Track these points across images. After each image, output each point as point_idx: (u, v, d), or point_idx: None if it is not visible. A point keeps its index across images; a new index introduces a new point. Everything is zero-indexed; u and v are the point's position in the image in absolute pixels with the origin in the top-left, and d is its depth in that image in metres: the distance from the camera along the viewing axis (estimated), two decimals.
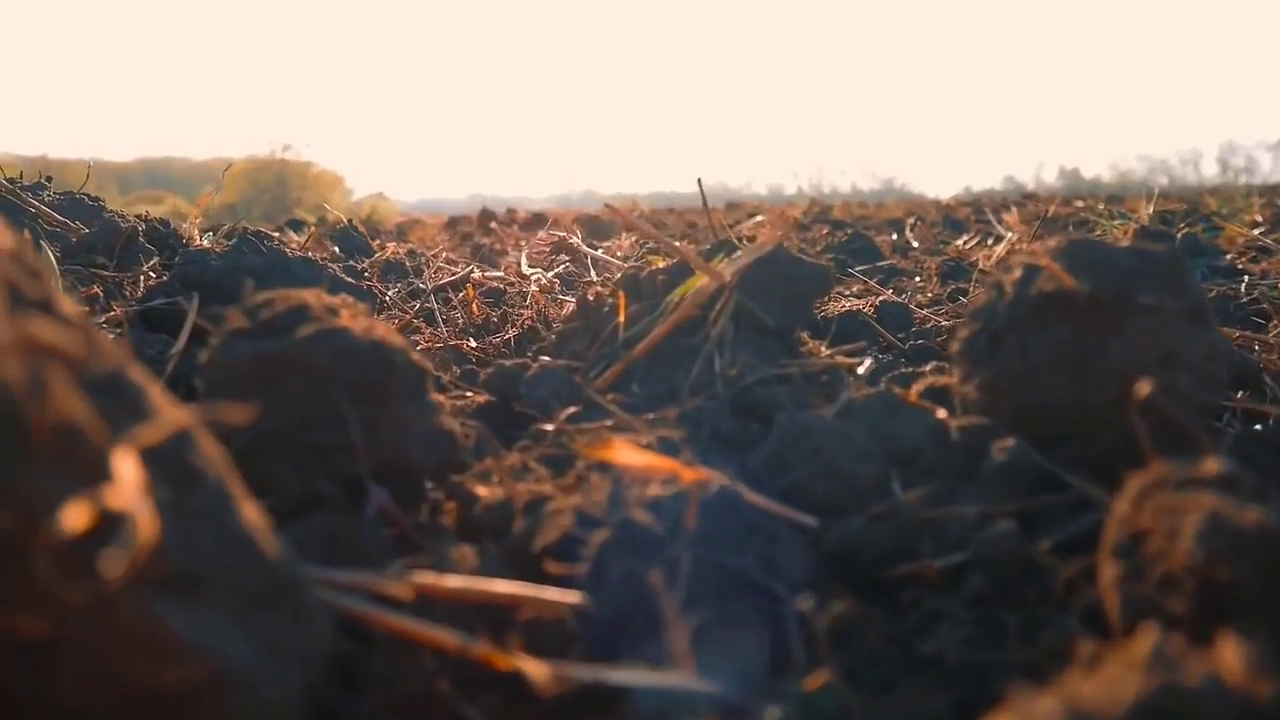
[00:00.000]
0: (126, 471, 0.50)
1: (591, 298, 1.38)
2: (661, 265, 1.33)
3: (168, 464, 0.57)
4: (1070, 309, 0.90)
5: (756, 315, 1.19)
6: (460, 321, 1.93)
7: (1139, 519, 0.66)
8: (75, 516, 0.48)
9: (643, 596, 0.72)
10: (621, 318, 1.26)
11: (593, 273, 2.02)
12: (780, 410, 1.02)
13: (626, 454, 0.86)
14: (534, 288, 1.85)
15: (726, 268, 1.19)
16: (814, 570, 0.83)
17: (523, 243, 4.53)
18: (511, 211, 8.36)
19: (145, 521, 0.50)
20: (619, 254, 3.43)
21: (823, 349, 1.29)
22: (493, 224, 6.38)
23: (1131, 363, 0.90)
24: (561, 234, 2.31)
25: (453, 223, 7.63)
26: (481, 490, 0.93)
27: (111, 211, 2.29)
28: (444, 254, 3.41)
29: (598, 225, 6.14)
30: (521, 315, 1.96)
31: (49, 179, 2.35)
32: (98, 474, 0.51)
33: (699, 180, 1.35)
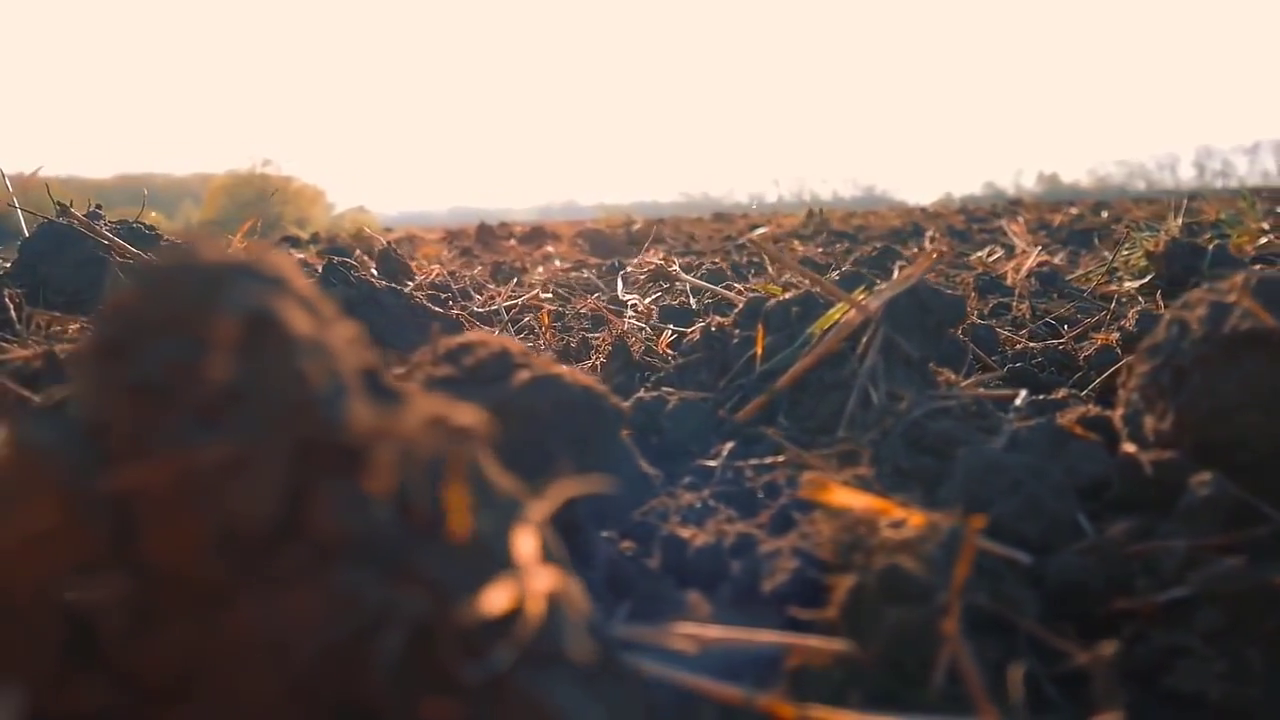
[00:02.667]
0: (529, 550, 0.50)
1: (714, 328, 1.38)
2: (788, 295, 1.34)
3: None
4: (1265, 345, 0.92)
5: (901, 347, 1.19)
6: (540, 347, 1.93)
7: None
8: (497, 599, 0.47)
9: (913, 642, 0.72)
10: (759, 349, 1.27)
11: (693, 300, 2.03)
12: (960, 445, 1.03)
13: (844, 496, 0.87)
14: (630, 314, 1.85)
15: (871, 300, 1.19)
16: (1040, 607, 0.84)
17: (532, 259, 4.52)
18: (505, 225, 8.35)
19: (539, 600, 0.50)
20: (645, 270, 3.43)
21: (953, 376, 1.30)
22: (511, 240, 6.37)
23: None
24: (659, 260, 2.30)
25: (451, 237, 7.60)
26: (684, 531, 0.93)
27: (169, 240, 2.27)
28: (472, 274, 3.39)
29: (600, 239, 6.14)
30: (597, 339, 1.96)
31: (99, 207, 2.32)
32: (483, 553, 0.51)
33: (819, 211, 1.35)
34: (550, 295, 2.60)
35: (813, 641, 0.74)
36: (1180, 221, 3.05)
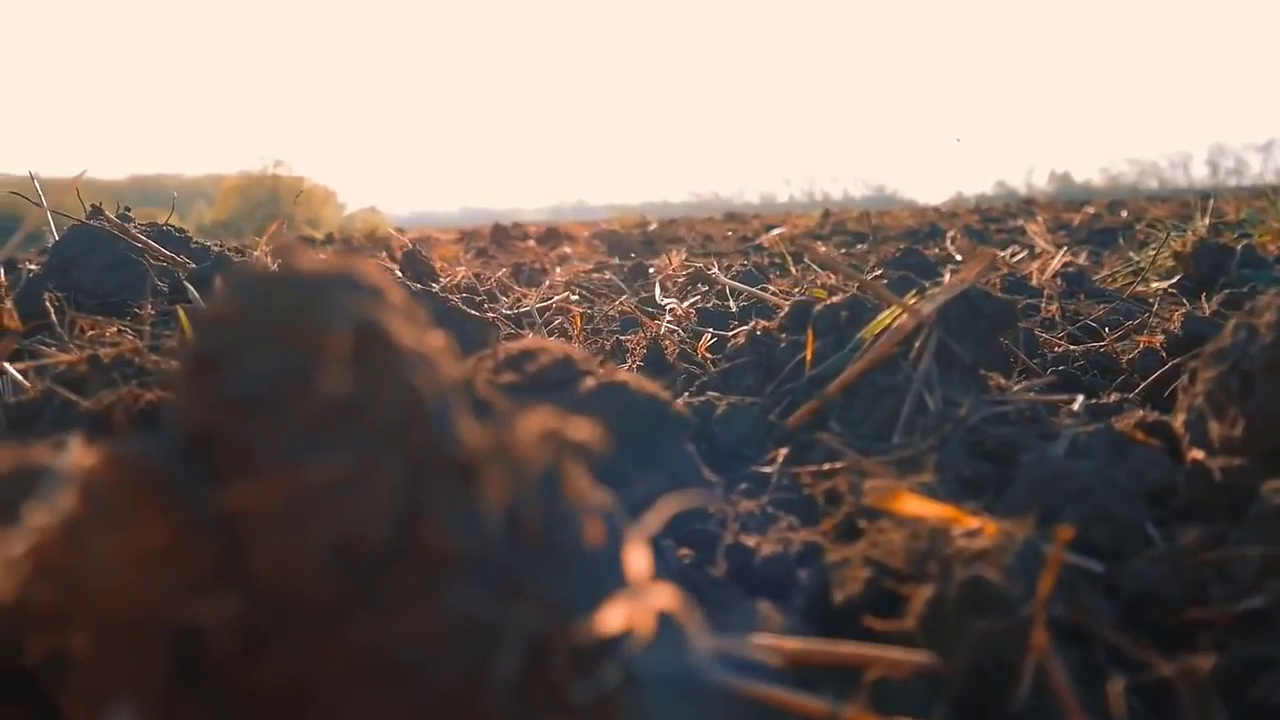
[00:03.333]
0: (641, 566, 0.49)
1: (759, 332, 1.37)
2: (835, 299, 1.33)
3: None
4: None
5: (955, 352, 1.18)
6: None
7: None
8: (614, 618, 0.46)
9: (998, 654, 0.71)
10: (809, 354, 1.26)
11: (732, 302, 2.01)
12: (1022, 451, 1.01)
13: (914, 504, 0.86)
14: (668, 317, 1.84)
15: (925, 304, 1.18)
16: (1114, 617, 0.83)
17: (555, 261, 4.51)
18: (519, 225, 8.34)
19: (650, 618, 0.49)
20: (669, 270, 3.43)
21: (1003, 380, 1.29)
22: (527, 241, 6.36)
23: None
24: (698, 264, 2.29)
25: (466, 237, 7.60)
26: (748, 539, 0.92)
27: (198, 242, 2.26)
28: (493, 275, 3.38)
29: (617, 239, 6.12)
30: (629, 341, 1.95)
31: (128, 209, 2.32)
32: (591, 569, 0.50)
33: (869, 215, 1.34)
34: (577, 297, 2.59)
35: (894, 653, 0.73)
36: (1208, 221, 3.03)
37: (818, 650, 0.72)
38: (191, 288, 1.55)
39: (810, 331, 1.26)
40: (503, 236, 6.96)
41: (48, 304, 1.46)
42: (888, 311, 1.22)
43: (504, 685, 0.45)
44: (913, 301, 1.20)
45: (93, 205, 1.96)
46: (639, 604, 0.46)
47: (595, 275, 3.46)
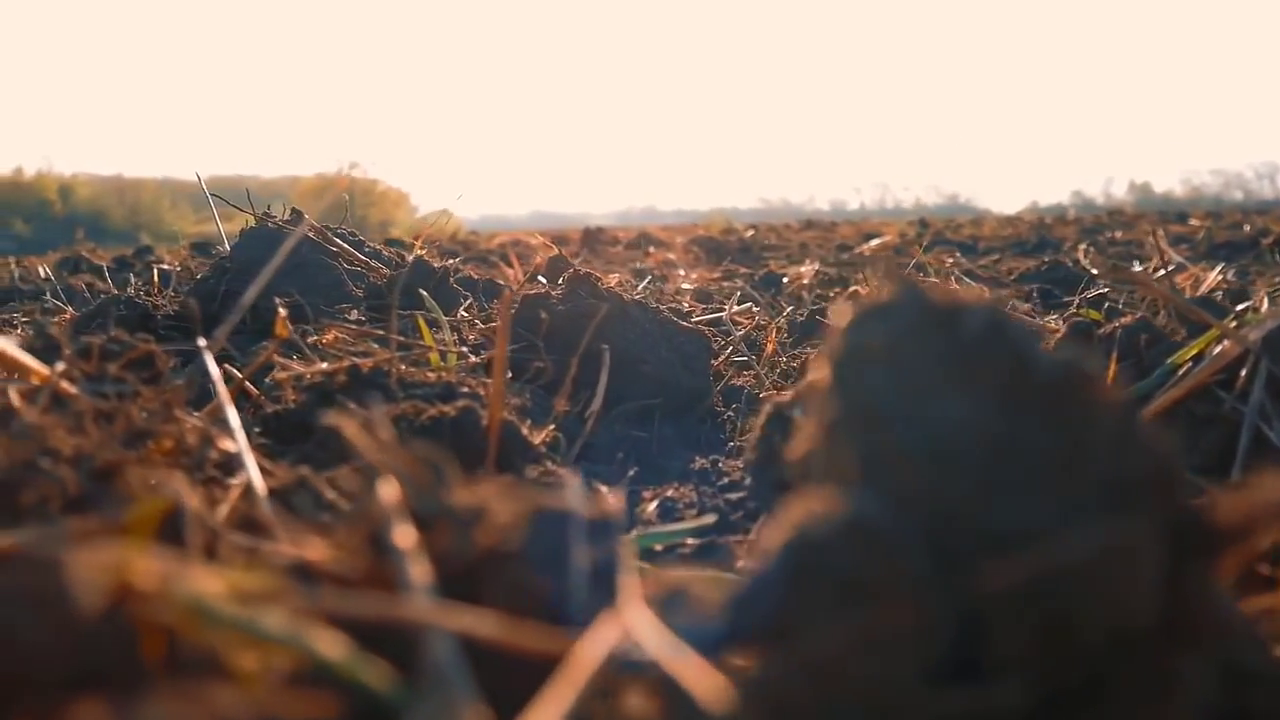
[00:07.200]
0: None
1: None
2: (1126, 321, 1.26)
3: None
4: None
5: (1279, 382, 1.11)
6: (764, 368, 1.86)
7: None
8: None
9: None
10: (1110, 379, 1.19)
11: None
12: None
13: None
14: None
15: (1251, 330, 1.11)
16: None
17: (678, 268, 4.45)
18: (600, 229, 8.29)
19: None
20: (803, 280, 3.37)
21: None
22: (617, 246, 6.31)
23: None
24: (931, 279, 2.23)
25: (557, 242, 7.57)
26: None
27: (371, 246, 2.24)
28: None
29: (714, 245, 6.05)
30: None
31: (295, 211, 2.30)
32: None
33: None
34: (749, 308, 2.54)
35: None
36: None
37: None
38: (427, 295, 1.51)
39: (1115, 354, 1.20)
40: (593, 241, 6.90)
41: (280, 310, 1.43)
42: (1203, 336, 1.15)
43: None
44: (1231, 327, 1.13)
45: (289, 211, 1.94)
46: None
47: (725, 284, 3.41)
